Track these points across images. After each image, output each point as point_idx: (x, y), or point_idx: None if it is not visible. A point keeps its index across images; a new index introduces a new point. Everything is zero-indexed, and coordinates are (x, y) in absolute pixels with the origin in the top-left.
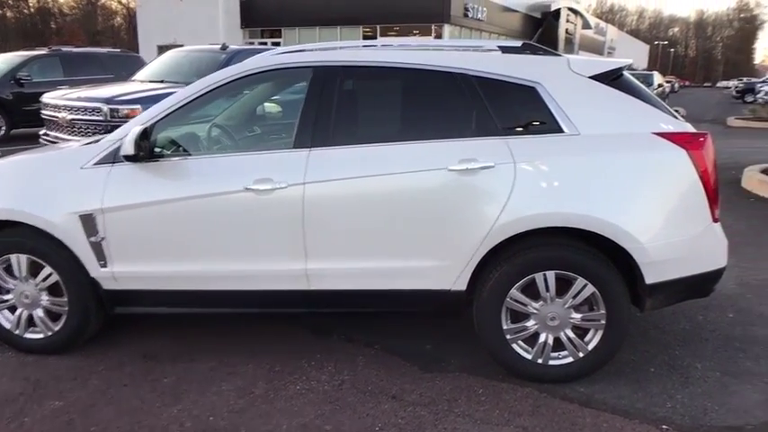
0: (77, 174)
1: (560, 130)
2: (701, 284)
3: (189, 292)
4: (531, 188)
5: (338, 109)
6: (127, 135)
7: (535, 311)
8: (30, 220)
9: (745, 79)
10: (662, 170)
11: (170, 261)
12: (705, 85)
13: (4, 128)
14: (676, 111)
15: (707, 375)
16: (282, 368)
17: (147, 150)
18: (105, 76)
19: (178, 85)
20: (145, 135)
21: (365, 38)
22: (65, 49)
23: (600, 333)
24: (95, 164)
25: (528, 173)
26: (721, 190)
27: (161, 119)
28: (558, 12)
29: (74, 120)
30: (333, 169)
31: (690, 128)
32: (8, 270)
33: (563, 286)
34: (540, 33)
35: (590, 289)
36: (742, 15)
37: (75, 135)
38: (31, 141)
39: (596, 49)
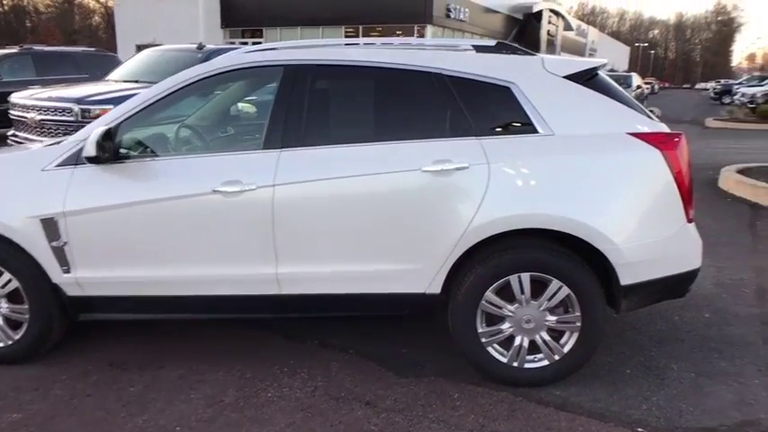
0: (38, 176)
1: (535, 131)
2: (676, 285)
3: (156, 298)
4: (506, 189)
5: (309, 109)
6: (89, 136)
7: (510, 314)
8: None
9: (722, 81)
10: (636, 171)
11: (136, 266)
12: (684, 86)
13: None
14: (651, 111)
15: (682, 376)
16: (254, 375)
17: (111, 151)
18: (80, 75)
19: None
20: (108, 136)
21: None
22: (37, 47)
23: (575, 335)
24: (57, 165)
25: (502, 174)
26: (699, 190)
27: (126, 119)
28: (539, 13)
29: (43, 120)
30: (303, 171)
31: (664, 128)
32: None
33: (538, 288)
34: (517, 33)
35: (565, 291)
36: (719, 18)
37: (45, 136)
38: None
39: (578, 50)
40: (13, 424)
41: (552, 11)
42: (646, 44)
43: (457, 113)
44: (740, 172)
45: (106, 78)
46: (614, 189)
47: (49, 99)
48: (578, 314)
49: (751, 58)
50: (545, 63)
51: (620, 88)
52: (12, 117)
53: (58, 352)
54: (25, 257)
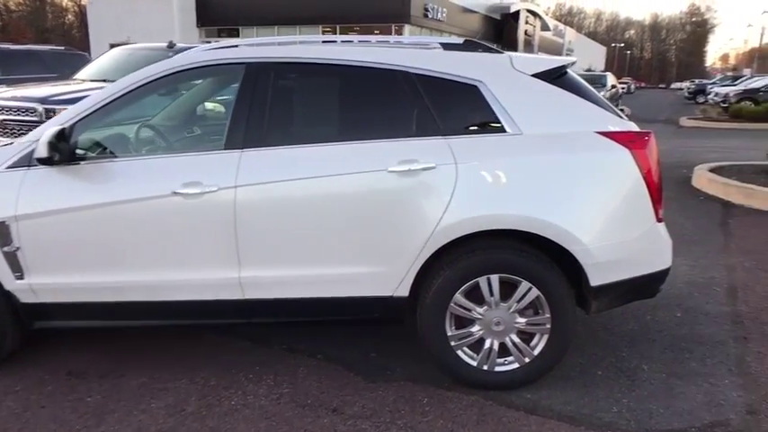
0: None
1: (503, 130)
2: (646, 285)
3: (116, 304)
4: (474, 190)
5: (272, 108)
6: (41, 136)
7: (480, 317)
8: None
9: (696, 81)
10: (605, 170)
11: (93, 271)
12: (660, 86)
13: None
14: (621, 110)
15: (653, 377)
16: (218, 382)
17: (66, 152)
18: (48, 75)
19: None
20: (62, 136)
21: None
22: (2, 45)
23: (545, 337)
24: (8, 167)
25: (470, 174)
26: (672, 189)
27: (82, 119)
28: (517, 13)
29: (5, 120)
30: (266, 171)
31: (634, 127)
32: None
33: (508, 290)
34: (495, 33)
35: (534, 292)
36: (693, 19)
37: (8, 137)
38: None
39: (555, 50)
40: None
41: (529, 11)
42: (622, 44)
43: (424, 112)
44: (712, 170)
45: (73, 77)
46: (583, 189)
47: (13, 99)
48: (548, 316)
49: (724, 58)
50: (513, 61)
51: (590, 87)
52: None
53: (14, 362)
54: None
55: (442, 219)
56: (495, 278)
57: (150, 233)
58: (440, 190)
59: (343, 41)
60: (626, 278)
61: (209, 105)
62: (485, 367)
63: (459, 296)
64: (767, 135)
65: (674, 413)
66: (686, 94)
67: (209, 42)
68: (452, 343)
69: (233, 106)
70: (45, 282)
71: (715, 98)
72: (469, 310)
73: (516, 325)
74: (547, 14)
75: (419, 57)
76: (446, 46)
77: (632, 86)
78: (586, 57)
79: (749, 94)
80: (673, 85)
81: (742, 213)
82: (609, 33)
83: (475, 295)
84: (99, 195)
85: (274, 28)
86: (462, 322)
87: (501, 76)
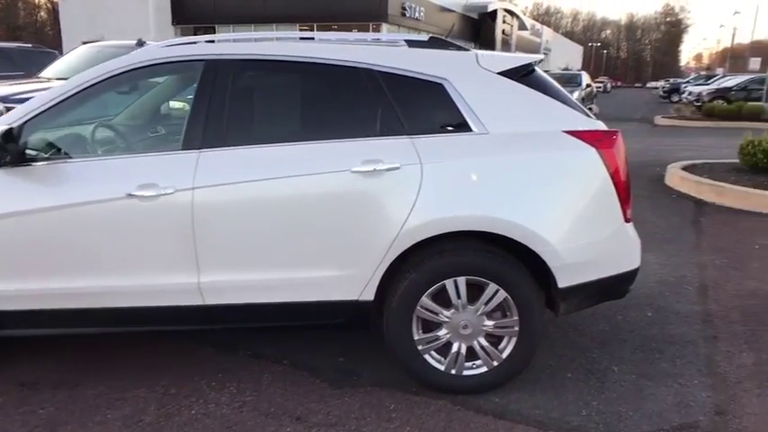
0: None
1: (469, 129)
2: (615, 286)
3: (70, 311)
4: (439, 190)
5: (231, 106)
6: None
7: (447, 320)
8: None
9: (671, 80)
10: (572, 170)
11: (46, 278)
12: (636, 85)
13: None
14: (590, 109)
15: (623, 379)
16: (178, 390)
17: (15, 153)
18: (14, 72)
19: None
20: (10, 136)
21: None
22: None
23: (514, 340)
24: None
25: (435, 174)
26: (646, 187)
27: (32, 118)
28: (494, 13)
29: None
30: (225, 172)
31: (601, 126)
32: None
33: (475, 293)
34: (473, 32)
35: (502, 294)
36: (668, 19)
37: None
38: None
39: (533, 49)
40: None
41: (507, 10)
42: (599, 44)
43: (388, 111)
44: (685, 169)
45: (39, 76)
46: (550, 189)
47: None
48: (516, 318)
49: (698, 58)
50: (479, 59)
51: (558, 85)
52: None
53: None
54: None
55: (408, 220)
56: (461, 281)
57: (105, 237)
58: (405, 191)
59: (320, 39)
60: (594, 279)
61: (175, 104)
62: (452, 371)
63: (425, 299)
64: (739, 133)
65: (643, 416)
66: (661, 93)
67: None
68: (419, 347)
69: (191, 105)
70: None
71: (689, 97)
72: (436, 314)
73: (484, 328)
74: (524, 14)
75: (383, 54)
76: (411, 43)
77: (609, 85)
78: (564, 56)
79: (721, 93)
80: (648, 84)
81: (714, 211)
82: (586, 33)
83: (442, 298)
84: (51, 198)
85: (251, 26)
86: (429, 326)
87: (466, 74)
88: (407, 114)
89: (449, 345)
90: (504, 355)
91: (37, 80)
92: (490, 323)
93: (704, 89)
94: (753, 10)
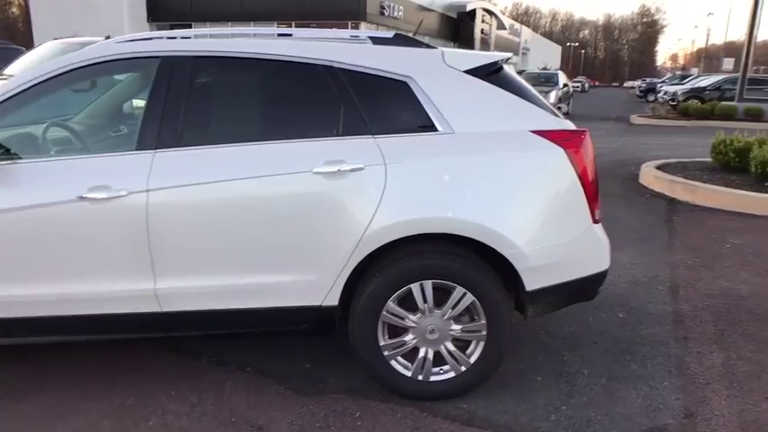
0: None
1: (434, 129)
2: (584, 288)
3: (21, 320)
4: (404, 192)
5: (188, 105)
6: None
7: (413, 325)
8: None
9: (647, 80)
10: (539, 170)
11: None
12: (613, 84)
13: None
14: (559, 108)
15: (593, 382)
16: (136, 401)
17: None
18: None
19: None
20: None
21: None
22: None
23: (482, 344)
24: None
25: (400, 175)
26: (620, 186)
27: None
28: (473, 12)
29: None
30: (181, 174)
31: (569, 125)
32: None
33: (442, 296)
34: (453, 31)
35: (469, 298)
36: (644, 20)
37: None
38: None
39: (512, 49)
40: None
41: (486, 10)
42: (577, 44)
43: (351, 110)
44: (659, 168)
45: (2, 73)
46: (517, 190)
47: None
48: (483, 322)
49: (674, 58)
50: (445, 57)
51: (525, 83)
52: None
53: None
54: None
55: (372, 223)
56: (428, 284)
57: (56, 242)
58: (369, 192)
59: (297, 36)
60: (562, 281)
61: (138, 103)
62: (420, 377)
63: (391, 304)
64: (712, 132)
65: (612, 420)
66: (638, 93)
67: None
68: (385, 353)
69: (146, 103)
70: None
71: (664, 96)
72: (403, 319)
73: (451, 332)
74: (504, 14)
75: (346, 51)
76: (375, 40)
77: (586, 85)
78: (542, 56)
79: (696, 93)
80: (625, 84)
81: (686, 210)
82: (564, 33)
83: (408, 302)
84: None
85: (228, 24)
86: (395, 331)
87: (432, 73)
88: (371, 113)
89: (416, 350)
90: (472, 359)
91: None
92: (457, 327)
93: (679, 89)
94: (726, 11)
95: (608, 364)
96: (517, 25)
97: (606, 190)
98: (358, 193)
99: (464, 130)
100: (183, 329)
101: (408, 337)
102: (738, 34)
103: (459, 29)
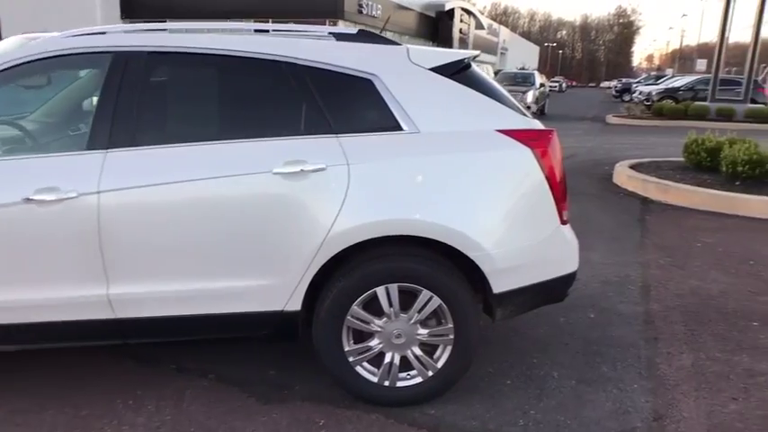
0: None
1: (399, 128)
2: (553, 290)
3: None
4: (368, 193)
5: (142, 103)
6: None
7: (379, 329)
8: None
9: (623, 80)
10: (506, 170)
11: None
12: (590, 85)
13: None
14: (528, 107)
15: (563, 385)
16: (91, 411)
17: None
18: None
19: None
20: None
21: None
22: None
23: (449, 349)
24: None
25: (364, 176)
26: (595, 185)
27: None
28: (452, 11)
29: None
30: (135, 175)
31: (537, 125)
32: None
33: (408, 300)
34: (432, 30)
35: (436, 301)
36: (621, 21)
37: None
38: None
39: (490, 49)
40: None
41: (464, 9)
42: (554, 44)
43: (313, 108)
44: (632, 167)
45: None
46: (483, 191)
47: None
48: (451, 326)
49: (649, 58)
50: (410, 54)
51: (493, 82)
52: None
53: None
54: None
55: (334, 225)
56: (393, 288)
57: (1, 247)
58: (331, 193)
59: (275, 30)
60: (530, 284)
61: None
62: (386, 383)
63: (356, 308)
64: (686, 132)
65: (581, 424)
66: (614, 93)
67: None
68: (350, 358)
69: (97, 101)
70: None
71: (639, 96)
72: (368, 323)
73: (418, 337)
74: (482, 13)
75: (308, 47)
76: (339, 36)
77: (564, 85)
78: (521, 56)
79: (670, 93)
80: (602, 84)
81: (659, 209)
82: (542, 33)
83: (373, 306)
84: None
85: (204, 21)
86: (361, 336)
87: (397, 70)
88: (334, 112)
89: (381, 355)
90: (440, 364)
91: None
92: (424, 332)
93: (654, 89)
94: (699, 13)
95: (578, 366)
96: (496, 25)
97: (581, 189)
98: (320, 195)
99: (430, 130)
100: (138, 337)
101: (374, 342)
102: (711, 36)
103: (437, 28)
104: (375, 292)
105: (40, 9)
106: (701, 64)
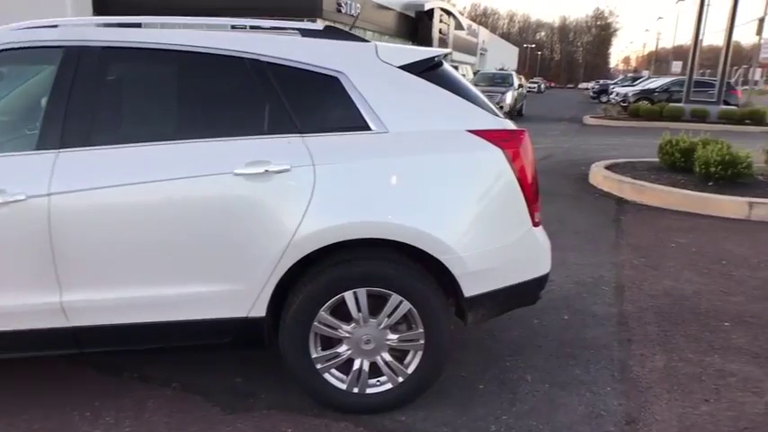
0: None
1: (366, 128)
2: (525, 293)
3: None
4: (334, 195)
5: (96, 100)
6: None
7: (347, 335)
8: None
9: (601, 81)
10: (476, 171)
11: None
12: (569, 86)
13: None
14: (500, 107)
15: (536, 389)
16: (44, 424)
17: None
18: None
19: None
20: None
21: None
22: None
23: (420, 354)
24: None
25: (330, 177)
26: (571, 186)
27: None
28: (431, 11)
29: None
30: (88, 176)
31: (509, 124)
32: None
33: (378, 305)
34: (411, 30)
35: (406, 306)
36: (598, 23)
37: None
38: None
39: (469, 49)
40: None
41: (443, 10)
42: (533, 45)
43: (277, 107)
44: (608, 168)
45: None
46: (453, 192)
47: None
48: (421, 331)
49: (626, 60)
50: (378, 51)
51: (465, 81)
52: None
53: None
54: None
55: (300, 228)
56: (362, 292)
57: None
58: (296, 195)
59: (252, 26)
60: (502, 287)
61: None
62: (355, 390)
63: (323, 313)
64: (661, 133)
65: (553, 429)
66: (591, 94)
67: None
68: (318, 365)
69: (48, 98)
70: None
71: (616, 98)
72: (336, 329)
73: (387, 342)
74: (462, 14)
75: (272, 43)
76: (304, 32)
77: (542, 86)
78: (500, 57)
79: (646, 95)
80: (580, 85)
81: (634, 210)
82: (521, 34)
83: (341, 312)
84: None
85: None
86: (329, 342)
87: (365, 68)
88: (299, 111)
89: (350, 362)
90: (410, 370)
91: None
92: (394, 337)
93: (630, 90)
94: (674, 16)
95: (551, 369)
96: (475, 26)
97: (557, 190)
98: (284, 197)
99: (398, 130)
100: (94, 346)
101: (342, 349)
102: (686, 38)
103: (417, 28)
104: (343, 297)
105: (9, 3)
106: (677, 66)
